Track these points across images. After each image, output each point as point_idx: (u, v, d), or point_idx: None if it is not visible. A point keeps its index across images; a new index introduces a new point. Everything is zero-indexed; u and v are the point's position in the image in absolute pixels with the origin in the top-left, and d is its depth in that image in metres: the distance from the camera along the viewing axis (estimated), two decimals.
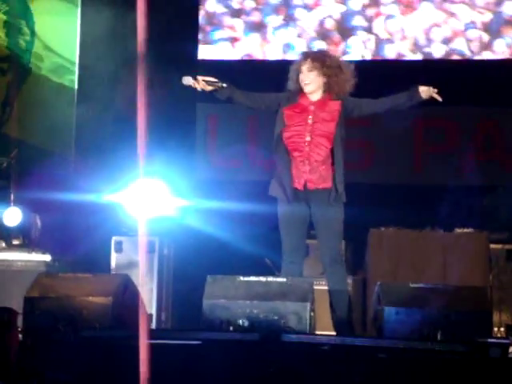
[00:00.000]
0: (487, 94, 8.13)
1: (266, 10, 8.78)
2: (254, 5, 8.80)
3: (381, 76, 8.00)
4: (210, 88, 5.19)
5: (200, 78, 5.18)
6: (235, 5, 8.82)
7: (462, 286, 5.73)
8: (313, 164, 5.16)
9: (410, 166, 8.36)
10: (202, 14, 8.81)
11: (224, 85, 5.19)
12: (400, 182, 8.25)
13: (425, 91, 5.14)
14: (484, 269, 7.20)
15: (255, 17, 8.80)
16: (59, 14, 8.98)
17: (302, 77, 5.22)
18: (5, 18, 9.17)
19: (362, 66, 5.45)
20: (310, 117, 5.18)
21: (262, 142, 8.23)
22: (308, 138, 5.15)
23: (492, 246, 7.44)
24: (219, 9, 8.84)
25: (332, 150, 5.17)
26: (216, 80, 5.20)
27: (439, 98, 5.16)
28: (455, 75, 8.12)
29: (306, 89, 5.22)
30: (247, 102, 5.29)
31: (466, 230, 7.43)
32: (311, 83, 5.21)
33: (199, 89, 5.17)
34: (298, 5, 8.71)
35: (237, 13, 8.80)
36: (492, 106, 8.22)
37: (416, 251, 7.31)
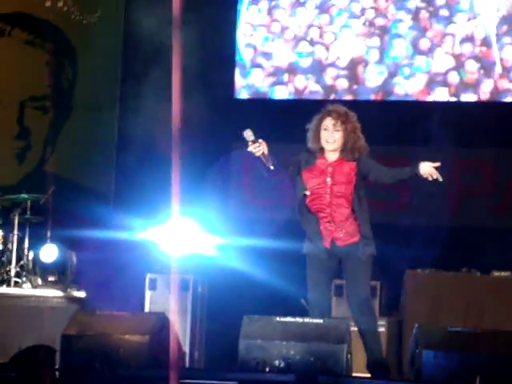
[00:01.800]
0: None
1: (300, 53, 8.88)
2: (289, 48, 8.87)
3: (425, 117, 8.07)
4: (260, 154, 5.16)
5: (263, 144, 5.15)
6: (270, 47, 8.89)
7: (500, 331, 5.66)
8: (338, 223, 5.20)
9: (447, 206, 8.30)
10: (239, 54, 8.89)
11: (271, 167, 5.17)
12: (437, 223, 8.19)
13: (425, 167, 5.11)
14: None
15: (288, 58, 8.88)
16: (101, 54, 9.11)
17: (325, 134, 5.21)
18: (47, 56, 9.31)
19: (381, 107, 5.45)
20: (328, 179, 5.20)
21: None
22: (328, 200, 5.18)
23: None
24: (255, 51, 8.91)
25: (353, 208, 5.18)
26: (268, 157, 5.16)
27: (440, 178, 5.11)
28: (495, 117, 8.10)
29: (329, 147, 5.21)
30: (282, 172, 5.30)
31: (503, 274, 7.36)
32: (335, 142, 5.21)
33: (251, 149, 5.14)
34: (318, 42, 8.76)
35: (272, 55, 8.87)
36: None
37: (452, 294, 7.25)
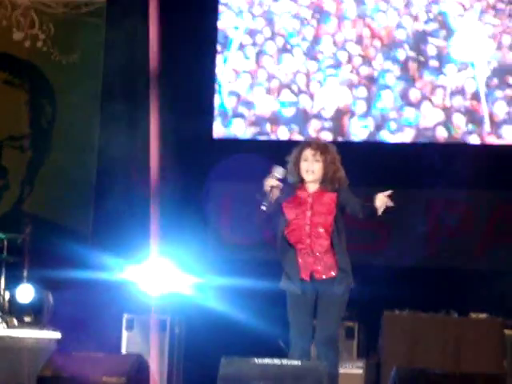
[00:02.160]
0: (503, 178, 8.15)
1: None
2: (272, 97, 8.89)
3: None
4: (271, 191, 5.18)
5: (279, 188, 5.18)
6: (254, 96, 8.91)
7: (477, 373, 5.66)
8: (316, 255, 5.20)
9: (425, 247, 8.33)
10: (216, 95, 8.93)
11: (264, 207, 5.18)
12: (415, 263, 8.21)
13: (379, 200, 5.13)
14: (499, 355, 7.12)
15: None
16: (81, 94, 9.13)
17: (305, 165, 5.24)
18: (26, 96, 9.33)
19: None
20: (308, 210, 5.21)
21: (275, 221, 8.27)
22: (307, 231, 5.19)
23: (507, 331, 7.36)
24: (238, 99, 8.94)
25: (332, 240, 5.20)
26: (271, 200, 5.18)
27: (391, 204, 5.14)
28: (467, 159, 8.17)
29: (309, 178, 5.24)
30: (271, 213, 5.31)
31: (480, 316, 7.38)
32: (315, 172, 5.24)
33: (271, 182, 5.15)
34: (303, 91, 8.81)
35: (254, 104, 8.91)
36: (507, 190, 8.23)
37: (430, 335, 7.26)
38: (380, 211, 5.08)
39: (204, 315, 7.81)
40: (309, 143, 5.31)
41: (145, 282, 7.77)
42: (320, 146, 5.27)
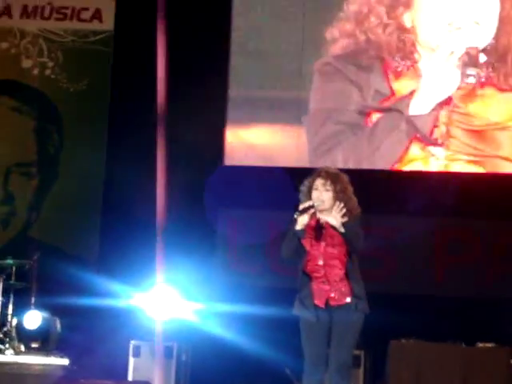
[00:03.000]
0: (508, 207, 8.17)
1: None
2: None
3: None
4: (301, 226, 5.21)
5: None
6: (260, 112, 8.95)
7: None
8: (332, 283, 5.21)
9: (431, 276, 8.33)
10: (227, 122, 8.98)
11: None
12: (422, 292, 8.22)
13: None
14: None
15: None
16: (88, 121, 9.19)
17: (316, 194, 5.26)
18: (34, 123, 9.39)
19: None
20: (322, 241, 5.23)
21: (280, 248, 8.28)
22: (321, 262, 5.21)
23: None
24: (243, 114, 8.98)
25: (347, 269, 5.21)
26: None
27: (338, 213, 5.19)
28: (475, 188, 8.20)
29: (320, 207, 5.26)
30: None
31: (487, 345, 7.37)
32: (325, 202, 5.25)
33: (304, 218, 5.19)
34: None
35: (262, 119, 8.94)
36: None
37: (437, 364, 7.25)
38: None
39: (211, 342, 7.79)
40: (319, 172, 5.30)
41: (151, 309, 7.77)
42: (330, 175, 5.27)
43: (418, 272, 8.28)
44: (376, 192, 8.16)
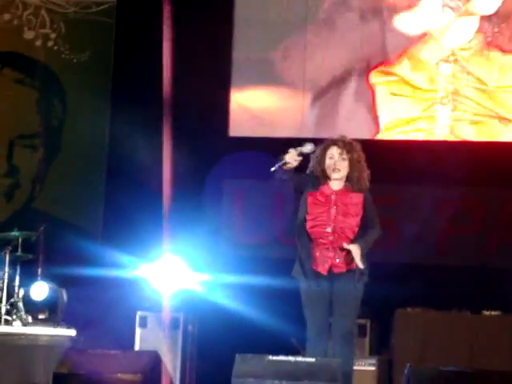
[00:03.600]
0: None
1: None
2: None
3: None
4: (288, 166, 5.15)
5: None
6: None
7: (492, 371, 5.67)
8: (337, 250, 5.20)
9: (436, 245, 8.34)
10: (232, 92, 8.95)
11: (283, 176, 5.16)
12: (426, 262, 8.23)
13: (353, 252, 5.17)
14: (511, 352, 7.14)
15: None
16: (91, 92, 9.16)
17: (331, 162, 5.21)
18: (37, 95, 9.37)
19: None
20: (333, 208, 5.20)
21: (287, 220, 8.29)
22: (330, 230, 5.19)
23: None
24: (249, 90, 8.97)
25: (355, 238, 5.20)
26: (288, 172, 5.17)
27: (360, 266, 5.17)
28: (484, 157, 8.19)
29: (335, 175, 5.22)
30: (295, 182, 5.28)
31: (493, 313, 7.39)
32: (341, 170, 5.22)
33: (291, 156, 5.10)
34: None
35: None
36: None
37: (443, 333, 7.27)
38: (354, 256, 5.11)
39: (217, 313, 7.82)
40: (334, 141, 5.28)
41: (158, 280, 7.81)
42: (347, 144, 5.25)
43: (423, 241, 8.28)
44: (379, 161, 8.15)
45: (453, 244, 8.29)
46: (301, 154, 5.13)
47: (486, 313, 7.40)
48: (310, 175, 5.26)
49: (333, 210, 5.18)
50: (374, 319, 7.67)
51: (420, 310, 7.48)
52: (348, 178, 5.22)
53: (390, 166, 8.14)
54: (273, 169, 5.12)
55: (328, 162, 5.21)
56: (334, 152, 5.22)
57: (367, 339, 7.59)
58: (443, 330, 7.28)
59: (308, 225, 5.20)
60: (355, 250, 5.12)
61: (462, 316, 7.38)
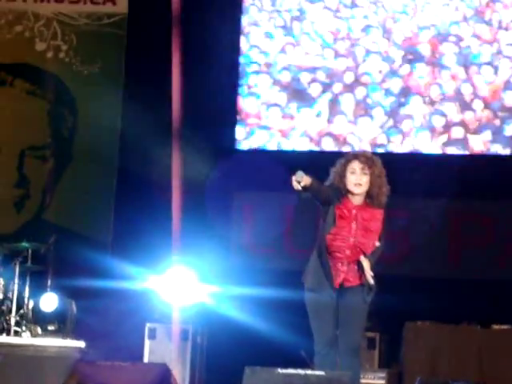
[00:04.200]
0: None
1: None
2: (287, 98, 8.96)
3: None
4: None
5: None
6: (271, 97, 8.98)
7: None
8: (350, 264, 5.19)
9: (446, 258, 8.33)
10: (240, 103, 8.97)
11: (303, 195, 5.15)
12: (437, 274, 8.21)
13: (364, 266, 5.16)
14: None
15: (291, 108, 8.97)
16: (101, 104, 9.18)
17: (353, 178, 5.18)
18: (48, 106, 9.40)
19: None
20: (354, 223, 5.18)
21: (297, 231, 8.29)
22: (351, 243, 5.16)
23: None
24: (255, 101, 8.99)
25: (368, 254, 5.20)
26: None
27: (371, 281, 5.16)
28: (493, 170, 8.17)
29: (357, 190, 5.18)
30: (320, 196, 5.26)
31: (502, 327, 7.37)
32: (363, 185, 5.19)
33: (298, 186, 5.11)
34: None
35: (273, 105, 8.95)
36: None
37: (452, 346, 7.25)
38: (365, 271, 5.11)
39: (226, 325, 7.82)
40: (356, 155, 5.24)
41: (167, 292, 7.81)
42: (368, 159, 5.20)
43: (433, 254, 8.27)
44: (390, 174, 8.14)
45: (463, 257, 8.28)
46: (299, 182, 5.11)
47: (496, 326, 7.38)
48: (333, 188, 5.24)
49: (353, 225, 5.15)
50: (383, 332, 7.66)
51: (429, 323, 7.45)
52: (368, 194, 5.19)
53: (399, 178, 8.13)
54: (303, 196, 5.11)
55: (349, 176, 5.16)
56: (355, 166, 5.17)
57: (376, 352, 7.58)
58: (453, 343, 7.27)
59: (329, 237, 5.19)
60: (366, 264, 5.11)
61: (471, 329, 7.36)
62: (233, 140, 8.90)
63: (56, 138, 9.38)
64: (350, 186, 5.16)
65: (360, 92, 8.92)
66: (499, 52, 8.83)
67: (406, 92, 8.85)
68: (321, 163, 5.34)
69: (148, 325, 7.75)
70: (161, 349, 7.59)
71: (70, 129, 9.40)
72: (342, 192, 5.19)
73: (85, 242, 8.86)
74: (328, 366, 5.21)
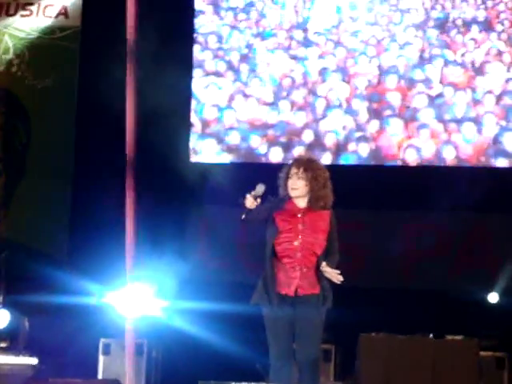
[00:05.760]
0: (477, 200, 8.22)
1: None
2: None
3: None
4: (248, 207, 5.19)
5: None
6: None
7: None
8: (303, 270, 5.19)
9: (400, 269, 8.38)
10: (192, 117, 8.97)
11: (243, 216, 5.19)
12: (390, 286, 8.26)
13: (327, 271, 5.19)
14: (474, 376, 7.18)
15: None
16: (55, 118, 9.13)
17: (290, 182, 5.29)
18: (1, 120, 9.32)
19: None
20: (300, 224, 5.22)
21: (252, 244, 8.29)
22: (298, 244, 5.19)
23: (482, 353, 7.43)
24: (211, 114, 8.98)
25: (320, 259, 5.20)
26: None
27: (337, 281, 5.19)
28: (446, 180, 8.25)
29: (293, 193, 5.28)
30: (261, 217, 5.32)
31: (456, 337, 7.43)
32: (298, 189, 5.28)
33: (250, 202, 5.15)
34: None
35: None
36: (482, 212, 8.31)
37: (406, 357, 7.29)
38: (326, 274, 5.12)
39: (181, 339, 7.80)
40: (294, 160, 5.37)
41: (122, 307, 7.74)
42: (303, 163, 5.30)
43: (386, 266, 8.32)
44: (343, 187, 8.18)
45: (417, 268, 8.34)
46: (257, 197, 5.18)
47: (449, 337, 7.44)
48: (275, 199, 5.28)
49: (300, 226, 5.20)
50: (338, 344, 7.68)
51: (384, 334, 7.49)
52: (310, 197, 5.26)
53: (351, 191, 8.19)
54: (243, 217, 5.16)
55: (288, 181, 5.28)
56: (291, 171, 5.29)
57: (332, 364, 7.59)
58: (407, 354, 7.30)
59: (276, 242, 5.21)
60: (327, 265, 5.12)
61: (425, 341, 7.41)
62: (187, 153, 8.89)
63: (9, 151, 9.29)
64: (289, 190, 5.24)
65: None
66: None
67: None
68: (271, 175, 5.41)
69: (102, 340, 7.69)
70: (115, 364, 7.53)
71: (23, 143, 9.32)
72: (286, 197, 5.26)
73: (39, 257, 8.77)
74: (283, 380, 5.19)
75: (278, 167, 5.42)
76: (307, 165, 5.29)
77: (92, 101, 8.86)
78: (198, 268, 8.57)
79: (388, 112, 8.53)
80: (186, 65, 9.03)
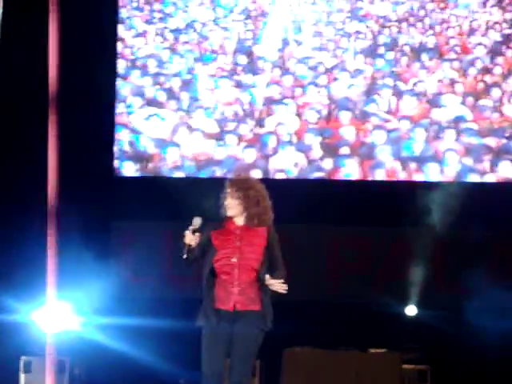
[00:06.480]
0: (399, 215, 8.33)
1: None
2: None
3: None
4: (188, 243, 5.19)
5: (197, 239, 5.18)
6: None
7: None
8: (241, 286, 5.21)
9: (323, 284, 8.44)
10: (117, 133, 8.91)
11: (184, 256, 5.20)
12: (314, 299, 8.31)
13: (271, 283, 5.26)
14: None
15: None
16: None
17: (225, 202, 5.35)
18: None
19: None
20: (237, 240, 5.26)
21: (176, 259, 8.24)
22: (235, 261, 5.22)
23: (405, 366, 7.52)
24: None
25: (259, 275, 5.23)
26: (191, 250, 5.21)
27: (283, 291, 5.26)
28: (370, 198, 8.34)
29: (228, 212, 5.34)
30: (201, 249, 5.35)
31: (379, 351, 7.51)
32: (230, 209, 5.33)
33: (188, 238, 5.16)
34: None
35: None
36: (402, 227, 8.42)
37: (330, 371, 7.35)
38: (270, 287, 5.16)
39: (104, 356, 7.71)
40: (229, 180, 5.41)
41: (43, 324, 7.62)
42: (234, 184, 5.37)
43: (310, 279, 8.37)
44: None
45: (340, 282, 8.40)
46: (195, 231, 5.21)
47: (372, 351, 7.52)
48: (214, 223, 5.33)
49: (237, 243, 5.24)
50: (262, 359, 7.68)
51: (308, 348, 7.53)
52: (245, 215, 5.29)
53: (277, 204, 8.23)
54: (185, 256, 5.16)
55: (224, 200, 5.33)
56: (226, 191, 5.34)
57: (257, 380, 7.59)
58: (331, 368, 7.37)
59: (214, 259, 5.22)
60: (271, 279, 5.14)
61: (349, 354, 7.48)
62: (110, 167, 8.81)
63: None
64: (224, 210, 5.28)
65: None
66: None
67: None
68: (208, 189, 5.44)
69: (23, 358, 7.55)
70: (37, 383, 7.40)
71: None
72: (225, 217, 5.29)
73: None
74: None
75: (215, 181, 5.44)
76: (240, 184, 5.35)
77: (12, 84, 8.63)
78: (121, 284, 8.48)
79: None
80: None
